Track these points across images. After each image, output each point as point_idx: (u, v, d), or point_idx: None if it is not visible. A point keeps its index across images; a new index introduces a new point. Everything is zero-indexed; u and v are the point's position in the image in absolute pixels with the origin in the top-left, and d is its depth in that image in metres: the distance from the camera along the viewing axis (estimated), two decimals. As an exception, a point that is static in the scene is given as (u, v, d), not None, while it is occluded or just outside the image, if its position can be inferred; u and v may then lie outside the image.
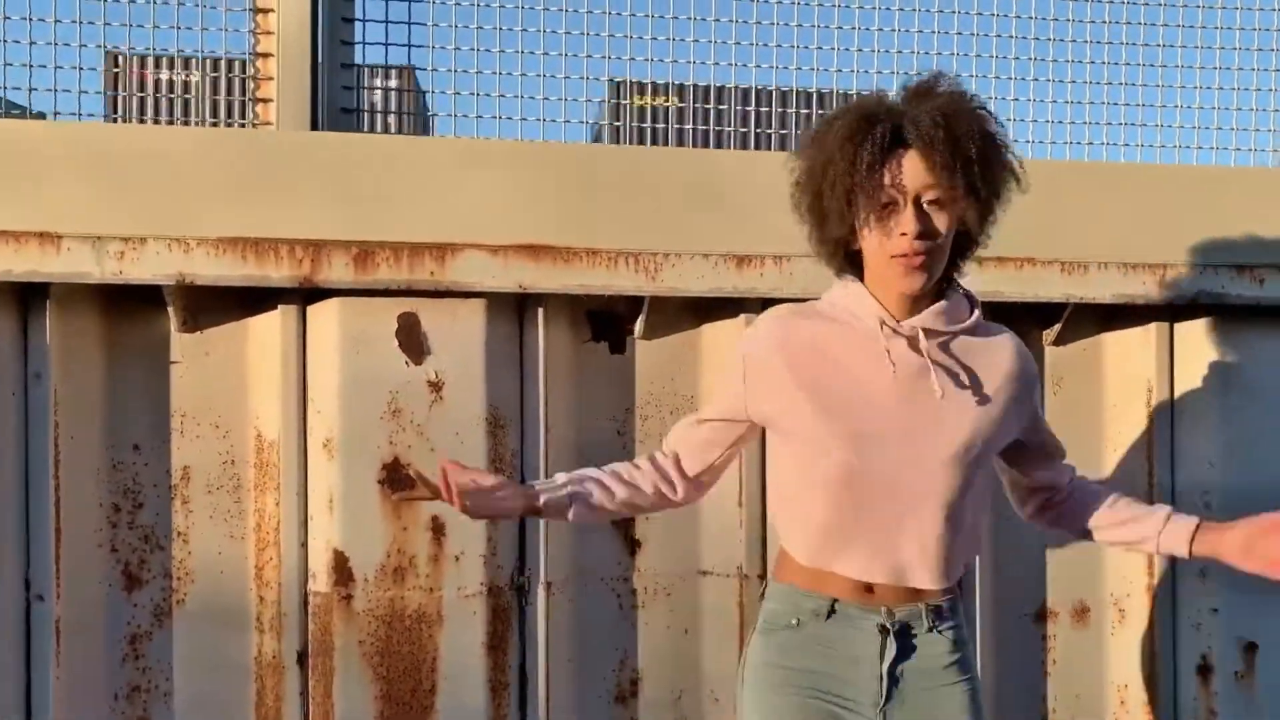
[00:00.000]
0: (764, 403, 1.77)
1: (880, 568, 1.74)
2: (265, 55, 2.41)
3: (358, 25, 2.45)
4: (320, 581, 2.28)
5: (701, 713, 2.45)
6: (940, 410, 1.70)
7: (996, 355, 1.77)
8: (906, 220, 1.62)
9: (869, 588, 1.76)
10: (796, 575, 1.79)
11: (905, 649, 1.77)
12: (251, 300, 2.33)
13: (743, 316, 2.40)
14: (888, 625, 1.75)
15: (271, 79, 2.40)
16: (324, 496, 2.28)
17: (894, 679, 1.76)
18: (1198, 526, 1.82)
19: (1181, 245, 2.46)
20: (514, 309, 2.34)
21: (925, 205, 1.63)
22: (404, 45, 2.46)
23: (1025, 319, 2.47)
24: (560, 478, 1.86)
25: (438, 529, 2.28)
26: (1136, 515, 1.88)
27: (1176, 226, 2.46)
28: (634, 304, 2.40)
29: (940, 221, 1.63)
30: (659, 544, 2.45)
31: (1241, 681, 2.51)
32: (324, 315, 2.28)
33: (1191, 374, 2.51)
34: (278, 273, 2.20)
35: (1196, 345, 2.53)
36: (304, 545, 2.30)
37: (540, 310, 2.34)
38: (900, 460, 1.69)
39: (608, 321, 2.46)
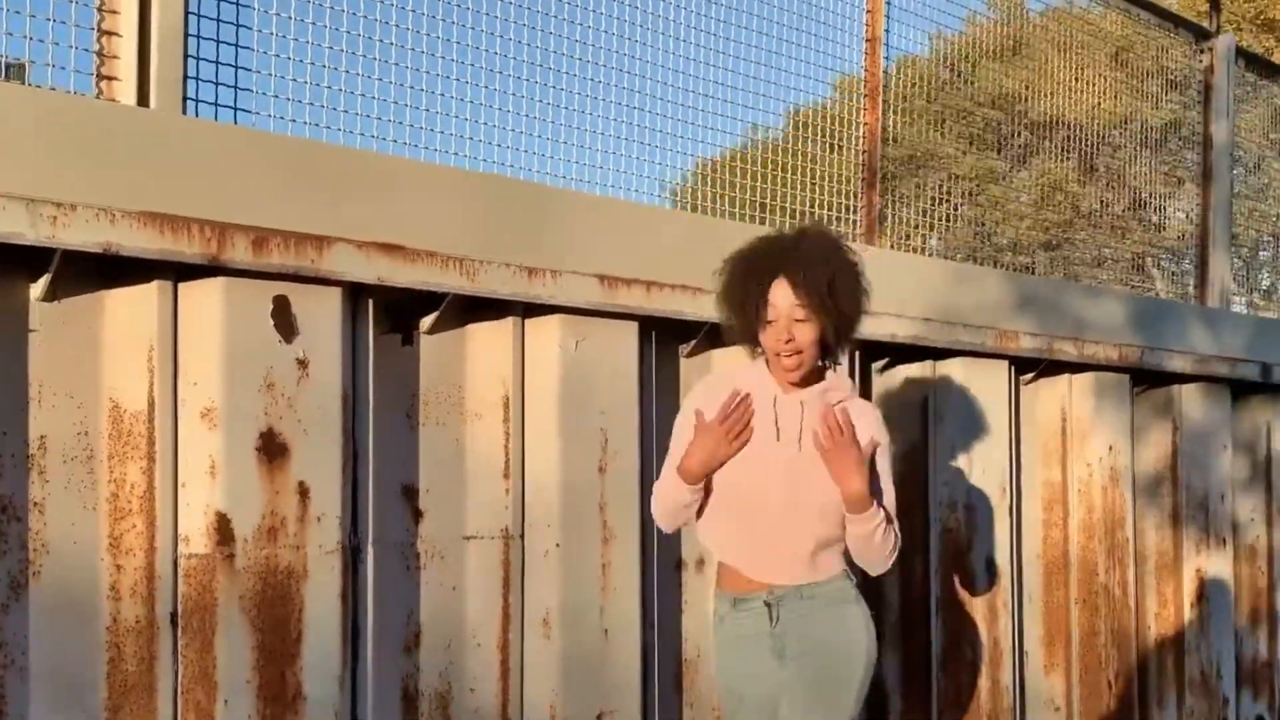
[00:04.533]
0: None
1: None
2: (110, 34, 3.12)
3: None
4: (196, 544, 3.03)
5: (465, 658, 3.60)
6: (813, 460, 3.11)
7: (860, 422, 3.17)
8: (779, 332, 3.06)
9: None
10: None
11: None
12: (111, 273, 3.02)
13: (509, 319, 3.65)
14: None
15: (118, 58, 3.11)
16: (202, 464, 3.04)
17: None
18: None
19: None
20: (349, 298, 3.32)
21: (790, 320, 3.04)
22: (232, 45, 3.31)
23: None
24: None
25: (304, 492, 3.17)
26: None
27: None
28: (427, 301, 3.52)
29: (799, 331, 3.04)
30: (437, 512, 3.56)
31: (801, 607, 4.34)
32: (203, 292, 3.06)
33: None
34: (190, 249, 2.96)
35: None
36: (174, 511, 3.03)
37: (371, 301, 3.37)
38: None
39: (397, 315, 3.53)
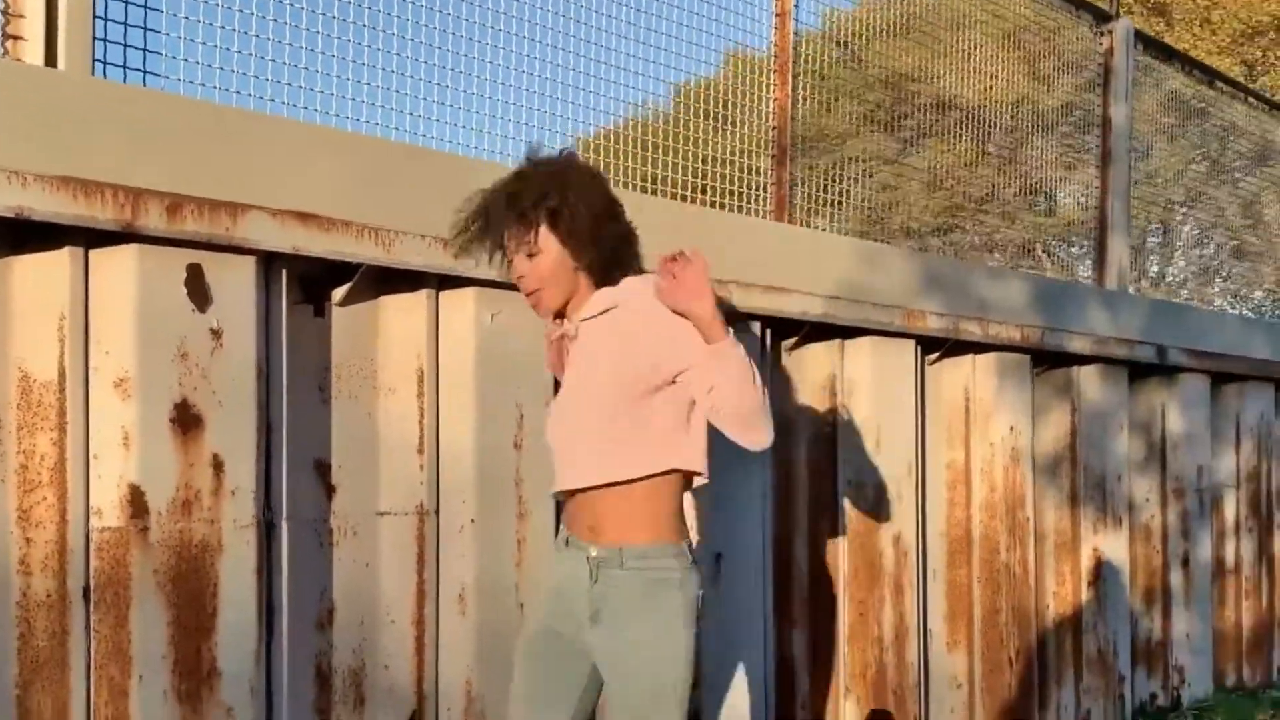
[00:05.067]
0: None
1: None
2: (16, -7, 3.12)
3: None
4: (109, 517, 3.05)
5: (378, 634, 3.66)
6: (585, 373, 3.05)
7: (626, 324, 3.02)
8: (514, 272, 3.03)
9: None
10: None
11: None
12: (20, 239, 3.03)
13: (424, 291, 3.72)
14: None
15: (23, 17, 3.12)
16: (115, 435, 3.06)
17: None
18: None
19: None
20: (263, 267, 3.36)
21: (520, 259, 3.00)
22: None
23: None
24: None
25: (218, 465, 3.20)
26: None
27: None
28: (340, 272, 3.57)
29: (528, 267, 2.95)
30: (350, 487, 3.62)
31: (714, 586, 4.47)
32: (116, 260, 3.09)
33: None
34: (103, 215, 2.98)
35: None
36: (85, 483, 3.05)
37: (284, 271, 3.41)
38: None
39: (310, 286, 3.58)
